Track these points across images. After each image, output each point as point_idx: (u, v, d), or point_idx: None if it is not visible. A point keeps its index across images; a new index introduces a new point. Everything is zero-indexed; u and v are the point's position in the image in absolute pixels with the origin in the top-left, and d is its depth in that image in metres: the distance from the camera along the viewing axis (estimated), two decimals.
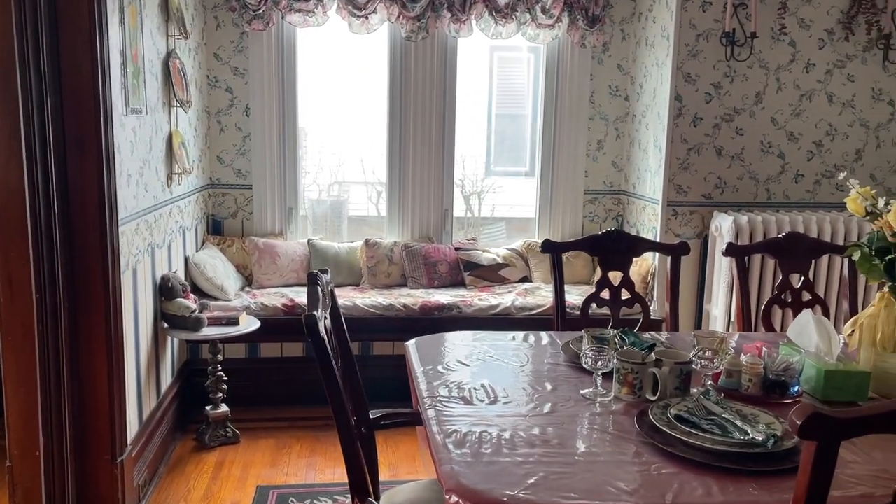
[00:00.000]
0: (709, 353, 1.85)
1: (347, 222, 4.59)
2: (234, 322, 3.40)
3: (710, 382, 1.86)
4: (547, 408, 1.73)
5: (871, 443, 1.56)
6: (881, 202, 1.80)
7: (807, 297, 2.57)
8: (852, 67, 3.87)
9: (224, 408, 3.46)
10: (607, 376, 1.83)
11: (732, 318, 3.71)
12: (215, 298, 3.73)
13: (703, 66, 3.82)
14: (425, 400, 1.78)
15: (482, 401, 1.77)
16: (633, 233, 4.28)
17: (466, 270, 4.23)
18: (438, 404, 1.74)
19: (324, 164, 4.62)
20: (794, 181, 3.95)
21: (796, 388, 1.81)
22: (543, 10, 4.16)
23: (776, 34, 3.82)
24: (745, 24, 3.75)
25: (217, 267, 3.86)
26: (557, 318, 2.53)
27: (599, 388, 1.82)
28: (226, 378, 3.48)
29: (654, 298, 3.93)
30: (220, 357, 3.46)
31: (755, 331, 2.61)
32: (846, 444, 1.48)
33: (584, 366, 1.83)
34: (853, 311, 2.60)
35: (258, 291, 3.96)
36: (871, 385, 1.80)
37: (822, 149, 3.94)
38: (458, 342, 2.24)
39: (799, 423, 1.06)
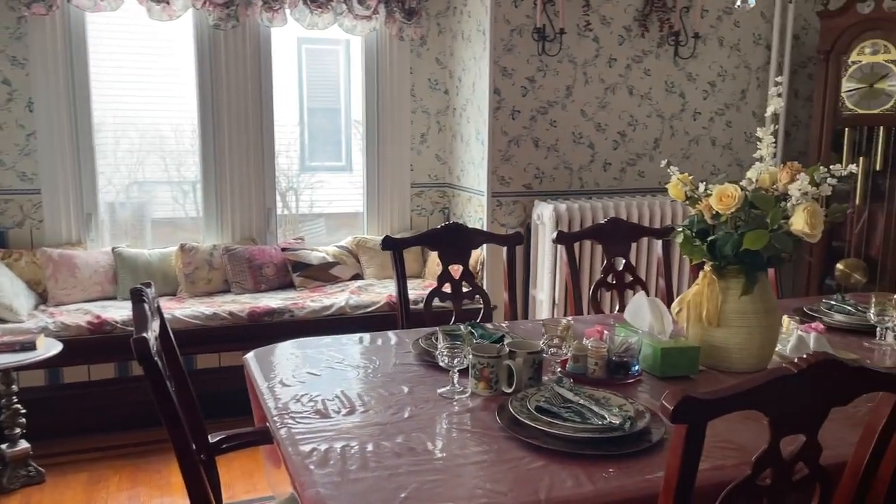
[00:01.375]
0: (556, 341, 1.89)
1: (152, 226, 4.21)
2: (30, 347, 2.97)
3: (559, 369, 1.89)
4: (407, 412, 1.67)
5: None
6: (701, 187, 1.93)
7: (629, 278, 2.74)
8: (648, 62, 4.19)
9: (24, 444, 3.03)
10: (462, 372, 1.80)
11: (557, 302, 3.88)
12: (4, 321, 3.25)
13: (518, 61, 3.95)
14: (275, 418, 1.64)
15: (339, 412, 1.66)
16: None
17: (295, 271, 4.05)
18: (291, 421, 1.61)
19: (120, 164, 4.19)
20: (603, 169, 4.22)
21: (636, 368, 1.90)
22: (360, 1, 4.08)
23: (582, 30, 4.03)
24: (554, 20, 3.92)
25: (3, 284, 3.37)
26: (402, 316, 2.48)
27: (456, 386, 1.78)
28: (23, 410, 3.04)
29: (485, 288, 4.01)
30: (14, 388, 3.02)
31: (586, 314, 2.72)
32: None
33: (441, 364, 1.79)
34: (669, 287, 2.81)
35: (56, 309, 3.51)
36: (699, 358, 1.93)
37: (626, 138, 4.23)
38: (303, 351, 2.10)
39: (671, 407, 1.08)
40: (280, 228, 4.40)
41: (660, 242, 2.81)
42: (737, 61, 4.35)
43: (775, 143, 1.94)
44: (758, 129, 1.99)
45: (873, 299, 2.23)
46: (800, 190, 1.78)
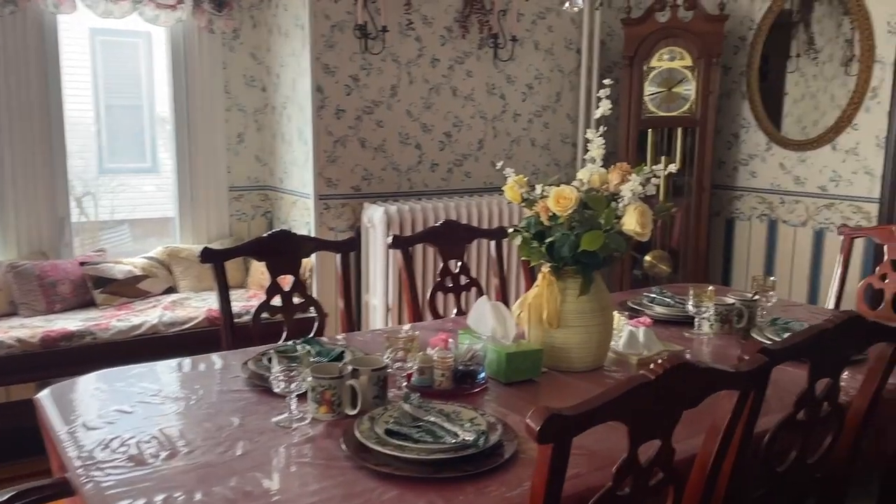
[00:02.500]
0: (401, 354, 1.79)
1: None
2: None
3: (405, 384, 1.79)
4: (240, 448, 1.48)
5: None
6: (538, 189, 1.92)
7: (465, 280, 2.70)
8: (470, 64, 4.22)
9: None
10: (300, 396, 1.64)
11: (391, 306, 3.80)
12: None
13: (341, 58, 3.80)
14: (79, 471, 1.38)
15: (157, 456, 1.44)
16: (286, 229, 4.12)
17: (97, 287, 3.61)
18: (99, 473, 1.37)
19: None
20: (430, 170, 4.19)
21: (482, 375, 1.85)
22: None
23: (404, 29, 3.97)
24: (375, 17, 3.83)
25: None
26: (227, 334, 2.25)
27: (294, 412, 1.62)
28: None
29: (316, 296, 3.82)
30: None
31: (424, 319, 2.65)
32: (523, 415, 1.54)
33: (277, 390, 1.62)
34: (503, 286, 2.82)
35: None
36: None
37: (452, 139, 4.24)
38: (109, 384, 1.83)
39: (537, 428, 1.02)
40: (77, 238, 3.91)
41: (493, 243, 2.81)
42: (551, 65, 4.52)
43: (605, 144, 1.98)
44: (587, 131, 2.02)
45: (691, 291, 2.36)
46: (631, 191, 1.82)
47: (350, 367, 1.67)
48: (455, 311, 2.70)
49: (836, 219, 3.98)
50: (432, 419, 1.54)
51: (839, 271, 2.98)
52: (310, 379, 1.62)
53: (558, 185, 1.86)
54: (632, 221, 1.82)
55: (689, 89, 4.27)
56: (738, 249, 4.50)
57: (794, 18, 4.27)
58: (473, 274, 2.87)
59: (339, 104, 3.83)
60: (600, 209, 1.86)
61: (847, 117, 3.89)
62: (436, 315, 2.64)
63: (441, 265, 2.67)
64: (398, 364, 1.76)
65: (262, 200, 4.32)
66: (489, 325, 1.96)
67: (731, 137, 4.47)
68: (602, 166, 1.99)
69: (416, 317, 2.59)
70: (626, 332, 2.13)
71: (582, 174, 2.00)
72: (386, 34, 3.86)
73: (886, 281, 2.83)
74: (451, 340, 1.90)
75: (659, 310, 2.56)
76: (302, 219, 3.99)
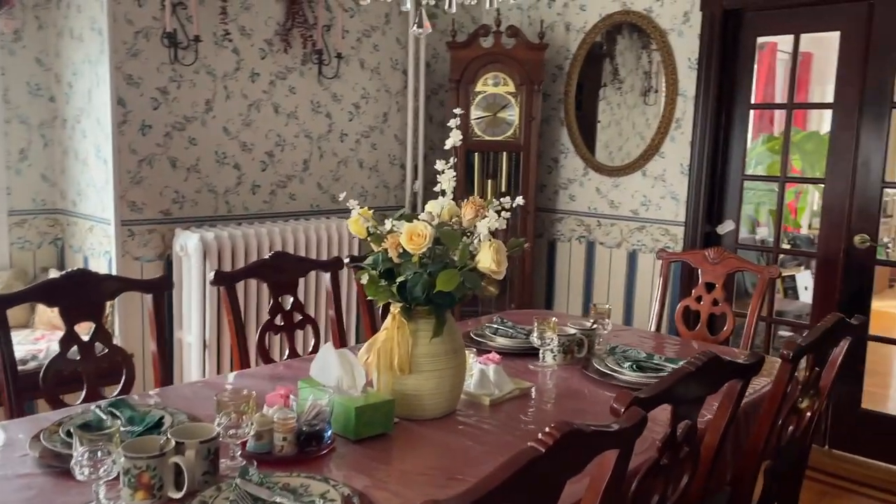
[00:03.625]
0: (234, 417, 1.54)
1: None
2: None
3: (239, 453, 1.55)
4: None
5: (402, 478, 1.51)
6: (388, 224, 1.76)
7: (298, 317, 2.48)
8: (293, 80, 3.98)
9: None
10: (113, 481, 1.35)
11: (208, 343, 3.44)
12: None
13: (147, 68, 3.41)
14: None
15: None
16: (82, 259, 3.62)
17: None
18: None
19: None
20: (251, 192, 3.88)
21: (329, 434, 1.65)
22: None
23: (220, 40, 3.65)
24: (187, 25, 3.48)
25: None
26: (10, 400, 1.85)
27: (103, 502, 1.33)
28: None
29: (119, 341, 3.37)
30: None
31: (252, 365, 2.39)
32: (377, 479, 1.39)
33: (80, 478, 1.31)
34: (339, 321, 2.62)
35: None
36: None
37: (274, 159, 3.96)
38: None
39: None
40: None
41: (328, 275, 2.61)
42: (378, 84, 4.40)
43: (452, 172, 1.87)
44: (438, 162, 1.89)
45: (535, 322, 2.32)
46: (488, 227, 1.72)
47: (173, 441, 1.40)
48: (287, 352, 2.46)
49: (647, 241, 4.23)
50: (278, 500, 1.32)
51: (659, 293, 3.12)
52: (122, 460, 1.33)
53: (409, 220, 1.72)
54: (487, 259, 1.72)
55: (513, 114, 4.35)
56: (559, 270, 4.65)
57: (603, 51, 4.52)
58: (308, 310, 2.65)
59: (144, 119, 3.42)
60: (453, 245, 1.74)
61: (655, 146, 4.15)
62: (266, 359, 2.38)
63: (271, 302, 2.42)
64: (231, 431, 1.52)
65: (51, 226, 3.75)
66: (334, 375, 1.77)
67: (551, 162, 4.62)
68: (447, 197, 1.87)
69: (244, 362, 2.31)
70: (476, 372, 2.04)
71: (431, 207, 1.88)
72: (199, 44, 3.52)
73: (702, 303, 3.01)
74: (291, 396, 1.68)
75: (502, 341, 2.51)
76: (101, 247, 3.51)
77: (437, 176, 1.83)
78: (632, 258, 4.31)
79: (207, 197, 3.70)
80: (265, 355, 2.38)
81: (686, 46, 3.99)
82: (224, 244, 3.46)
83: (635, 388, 2.09)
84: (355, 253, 3.86)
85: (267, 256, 2.49)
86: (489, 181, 4.47)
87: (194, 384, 2.20)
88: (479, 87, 4.35)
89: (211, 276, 2.33)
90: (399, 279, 1.74)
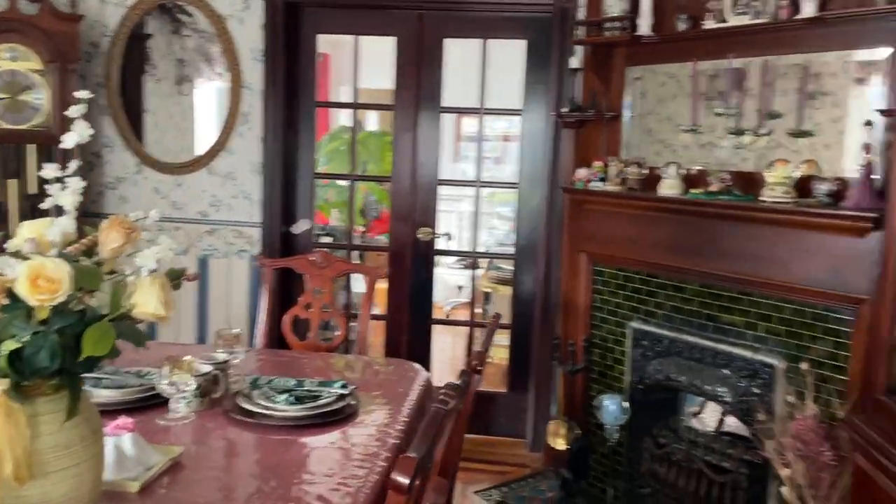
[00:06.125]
0: None
1: None
2: None
3: None
4: None
5: None
6: None
7: None
8: None
9: None
10: None
11: None
12: None
13: None
14: None
15: None
16: None
17: None
18: None
19: None
20: None
21: None
22: None
23: None
24: None
25: None
26: None
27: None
28: None
29: None
30: None
31: None
32: None
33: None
34: None
35: None
36: None
37: None
38: None
39: None
40: None
41: None
42: None
43: (78, 182, 1.31)
44: (48, 167, 1.30)
45: (166, 364, 1.84)
46: (157, 258, 1.24)
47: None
48: None
49: (220, 244, 3.88)
50: None
51: (266, 304, 2.86)
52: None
53: (24, 257, 1.13)
54: (151, 302, 1.24)
55: (41, 98, 3.49)
56: None
57: (146, 31, 3.96)
58: None
59: None
60: (95, 286, 1.22)
61: (221, 141, 3.81)
62: None
63: None
64: None
65: None
66: None
67: (92, 157, 3.87)
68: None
69: None
70: (110, 447, 1.51)
71: (32, 231, 1.29)
72: None
73: (311, 310, 2.86)
74: None
75: (109, 393, 1.94)
76: None
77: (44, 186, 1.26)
78: (203, 265, 3.90)
79: None
80: None
81: (248, 36, 3.75)
82: None
83: (303, 425, 1.85)
84: None
85: None
86: (13, 181, 3.51)
87: None
88: None
89: None
90: (7, 347, 1.14)
